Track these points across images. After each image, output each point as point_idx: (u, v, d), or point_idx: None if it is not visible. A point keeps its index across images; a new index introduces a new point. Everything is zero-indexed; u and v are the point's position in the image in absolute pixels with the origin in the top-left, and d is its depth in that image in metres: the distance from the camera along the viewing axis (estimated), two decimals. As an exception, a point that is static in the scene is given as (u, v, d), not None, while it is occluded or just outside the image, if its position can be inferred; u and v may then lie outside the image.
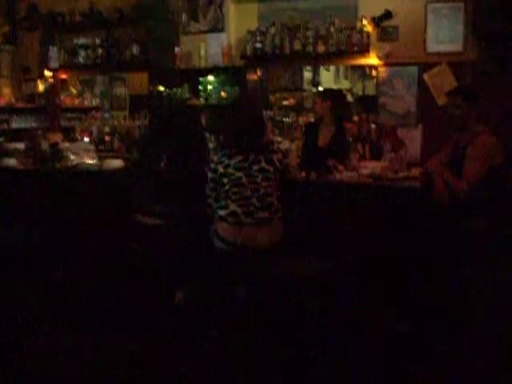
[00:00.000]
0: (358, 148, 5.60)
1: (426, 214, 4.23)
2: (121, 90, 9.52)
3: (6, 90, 8.42)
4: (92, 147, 6.09)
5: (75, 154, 5.69)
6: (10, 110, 8.19)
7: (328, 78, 9.71)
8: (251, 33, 6.66)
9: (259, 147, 4.09)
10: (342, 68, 9.70)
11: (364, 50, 6.26)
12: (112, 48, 7.53)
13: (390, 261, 4.27)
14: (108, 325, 4.35)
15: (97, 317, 4.50)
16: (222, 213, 4.03)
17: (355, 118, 6.76)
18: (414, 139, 6.12)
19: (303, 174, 4.79)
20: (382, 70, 6.37)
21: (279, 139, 6.40)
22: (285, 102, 8.89)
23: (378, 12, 6.22)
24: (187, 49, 7.12)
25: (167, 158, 4.62)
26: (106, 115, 8.33)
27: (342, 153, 5.11)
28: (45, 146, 5.90)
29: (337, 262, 4.20)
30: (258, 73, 7.20)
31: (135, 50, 7.32)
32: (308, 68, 9.35)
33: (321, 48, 6.37)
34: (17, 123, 8.19)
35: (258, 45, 6.60)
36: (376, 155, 5.66)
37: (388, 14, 6.19)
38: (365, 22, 6.23)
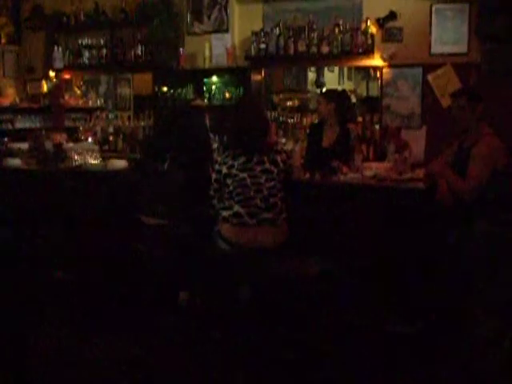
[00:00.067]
0: (362, 149, 5.61)
1: (429, 216, 4.23)
2: (125, 91, 9.55)
3: (11, 90, 8.43)
4: (96, 147, 6.10)
5: (79, 154, 5.70)
6: (15, 110, 8.20)
7: (332, 79, 9.74)
8: (255, 34, 6.66)
9: (263, 148, 4.09)
10: (345, 69, 9.75)
11: (368, 52, 6.24)
12: (116, 48, 7.54)
13: (394, 262, 4.27)
14: (111, 325, 4.36)
15: (99, 317, 4.50)
16: (225, 213, 4.03)
17: (359, 119, 6.78)
18: (418, 140, 6.11)
19: (307, 175, 4.79)
20: (386, 71, 6.36)
21: (283, 140, 6.41)
22: (289, 103, 8.92)
23: (383, 13, 6.21)
24: (191, 49, 7.12)
25: (171, 159, 4.62)
26: (111, 115, 8.34)
27: (346, 154, 5.11)
28: (49, 146, 5.91)
29: (340, 263, 4.21)
30: (262, 73, 7.19)
31: (139, 50, 7.33)
32: (312, 69, 9.40)
33: (325, 49, 6.36)
34: (21, 123, 8.19)
35: (263, 46, 6.60)
36: (380, 156, 5.67)
37: (392, 15, 6.18)
38: (369, 23, 6.22)
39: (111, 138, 7.70)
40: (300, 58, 6.65)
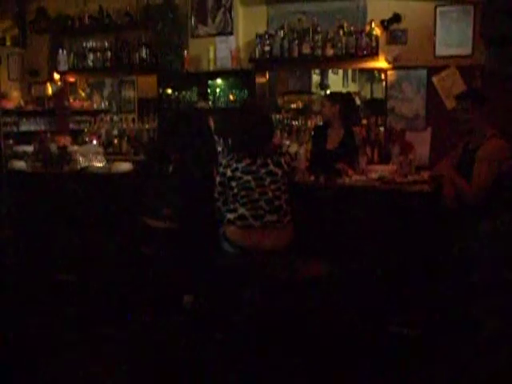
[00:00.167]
0: (366, 151, 5.60)
1: (434, 218, 4.22)
2: (129, 93, 9.59)
3: (15, 93, 8.45)
4: (100, 150, 6.10)
5: (84, 156, 5.70)
6: (19, 112, 8.22)
7: (336, 81, 9.75)
8: (260, 36, 6.66)
9: (267, 150, 4.09)
10: (350, 71, 9.76)
11: (373, 54, 6.23)
12: (121, 51, 7.54)
13: (397, 263, 4.26)
14: (115, 327, 4.36)
15: (104, 319, 4.51)
16: (230, 216, 4.03)
17: (364, 122, 6.77)
18: (422, 142, 6.10)
19: (312, 177, 4.78)
20: (390, 73, 6.36)
21: (287, 142, 6.40)
22: (293, 105, 8.94)
23: (387, 15, 6.20)
24: (196, 52, 7.12)
25: (175, 161, 4.62)
26: (115, 118, 8.35)
27: (350, 156, 5.11)
28: (53, 148, 5.92)
29: (345, 265, 4.21)
30: (267, 76, 7.19)
31: (144, 53, 7.33)
32: (316, 71, 9.41)
33: (329, 51, 6.35)
34: (25, 126, 8.21)
35: (267, 48, 6.59)
36: (385, 159, 5.66)
37: (397, 18, 6.18)
38: (373, 25, 6.21)
39: (116, 141, 7.72)
40: (304, 61, 6.65)
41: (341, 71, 9.65)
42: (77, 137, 7.57)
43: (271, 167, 4.02)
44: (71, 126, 8.29)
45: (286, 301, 3.92)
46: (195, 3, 7.07)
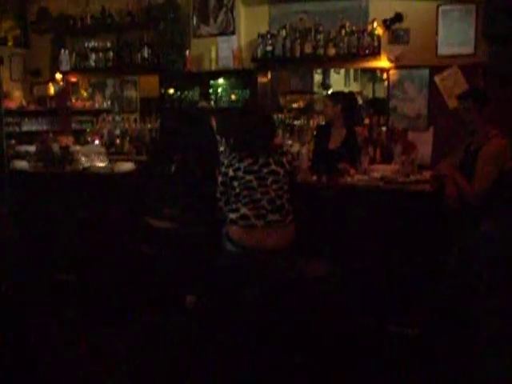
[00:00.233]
0: (368, 151, 5.59)
1: (436, 218, 4.22)
2: (132, 93, 9.58)
3: (17, 93, 8.45)
4: (103, 150, 6.10)
5: (86, 156, 5.71)
6: (21, 112, 8.23)
7: (338, 81, 9.73)
8: (262, 36, 6.66)
9: (269, 150, 4.09)
10: (352, 71, 9.74)
11: (375, 53, 6.23)
12: (123, 51, 7.55)
13: (399, 263, 4.26)
14: (117, 327, 4.36)
15: (105, 318, 4.51)
16: (232, 216, 4.03)
17: (366, 121, 6.77)
18: (425, 142, 6.09)
19: (314, 177, 4.78)
20: (392, 72, 6.35)
21: (289, 142, 6.40)
22: (295, 105, 8.93)
23: (389, 15, 6.19)
24: (198, 52, 7.13)
25: (178, 161, 4.62)
26: (117, 118, 8.35)
27: (352, 156, 5.11)
28: (56, 148, 5.92)
29: (347, 265, 4.21)
30: (269, 76, 7.20)
31: (146, 53, 7.34)
32: (318, 71, 9.39)
33: (331, 51, 6.35)
34: (28, 126, 8.22)
35: (269, 48, 6.60)
36: (387, 158, 5.66)
37: (399, 17, 6.17)
38: (375, 24, 6.21)
39: (118, 141, 7.73)
40: (306, 60, 6.65)
41: (343, 71, 9.64)
42: (79, 137, 7.57)
43: (273, 167, 4.02)
44: (73, 126, 8.30)
45: (287, 300, 3.92)
46: (197, 3, 7.07)
